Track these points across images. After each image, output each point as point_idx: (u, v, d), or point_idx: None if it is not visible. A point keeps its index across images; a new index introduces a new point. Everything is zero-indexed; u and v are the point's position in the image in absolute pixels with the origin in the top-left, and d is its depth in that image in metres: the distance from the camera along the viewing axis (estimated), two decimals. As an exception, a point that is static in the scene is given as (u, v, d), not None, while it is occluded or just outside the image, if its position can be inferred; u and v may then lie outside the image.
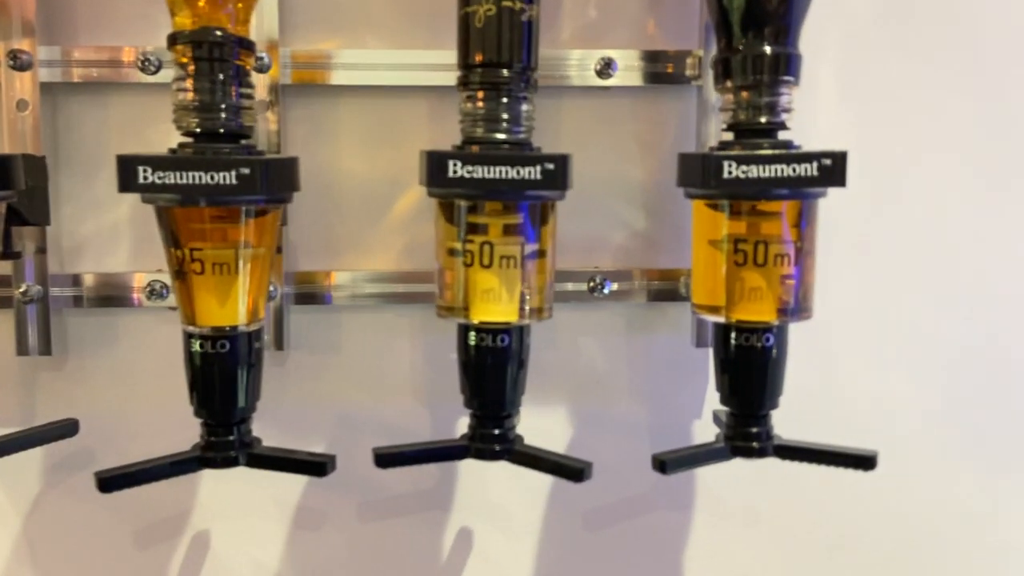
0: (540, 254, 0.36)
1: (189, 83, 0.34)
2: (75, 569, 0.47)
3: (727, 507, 0.49)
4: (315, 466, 0.36)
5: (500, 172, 0.33)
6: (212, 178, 0.32)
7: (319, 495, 0.48)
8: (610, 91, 0.45)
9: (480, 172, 0.33)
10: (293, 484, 0.47)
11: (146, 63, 0.43)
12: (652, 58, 0.44)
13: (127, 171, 0.32)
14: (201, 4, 0.33)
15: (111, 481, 0.36)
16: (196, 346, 0.35)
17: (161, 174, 0.32)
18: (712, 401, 0.48)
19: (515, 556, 0.49)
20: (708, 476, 0.49)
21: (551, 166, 0.33)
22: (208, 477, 0.47)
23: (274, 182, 0.34)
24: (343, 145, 0.45)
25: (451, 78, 0.37)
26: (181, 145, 0.35)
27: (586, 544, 0.49)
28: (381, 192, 0.45)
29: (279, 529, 0.47)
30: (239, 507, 0.47)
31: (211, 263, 0.35)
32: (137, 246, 0.45)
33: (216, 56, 0.34)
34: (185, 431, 0.45)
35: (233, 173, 0.32)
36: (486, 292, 0.36)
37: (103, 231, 0.45)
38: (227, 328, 0.36)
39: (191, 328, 0.36)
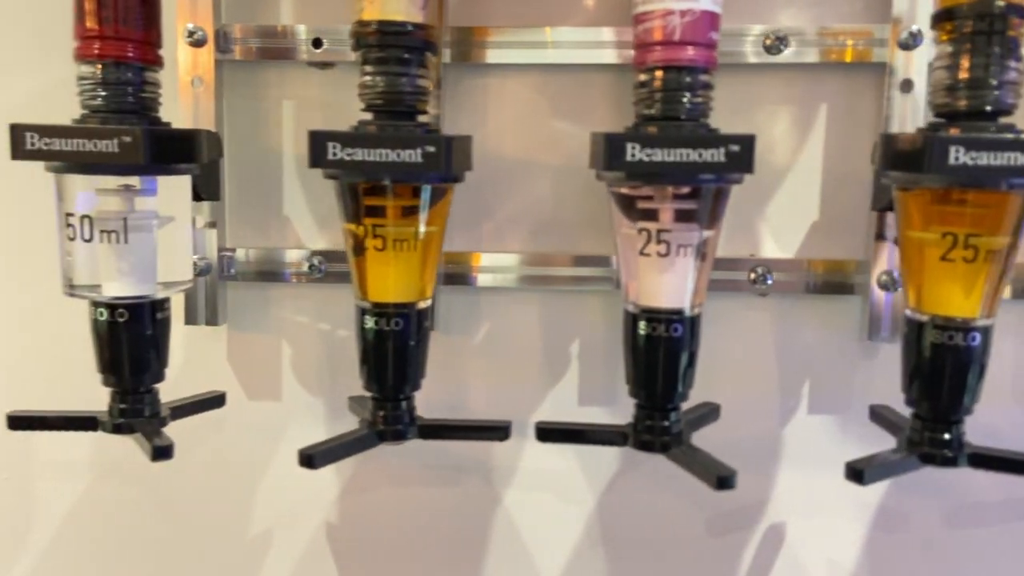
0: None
1: (965, 60, 0.32)
2: (646, 548, 0.47)
3: None
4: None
5: None
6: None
7: (902, 497, 0.46)
8: None
9: None
10: (877, 484, 0.46)
11: (776, 43, 0.42)
12: None
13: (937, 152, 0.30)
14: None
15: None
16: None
17: (972, 150, 0.31)
18: None
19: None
20: None
21: None
22: (789, 471, 0.46)
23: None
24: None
25: None
26: (934, 125, 0.34)
27: None
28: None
29: (857, 529, 0.46)
30: (817, 504, 0.46)
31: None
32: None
33: (997, 29, 0.32)
34: (764, 420, 0.46)
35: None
36: None
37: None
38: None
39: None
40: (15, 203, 0.47)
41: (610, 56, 0.43)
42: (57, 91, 0.45)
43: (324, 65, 0.45)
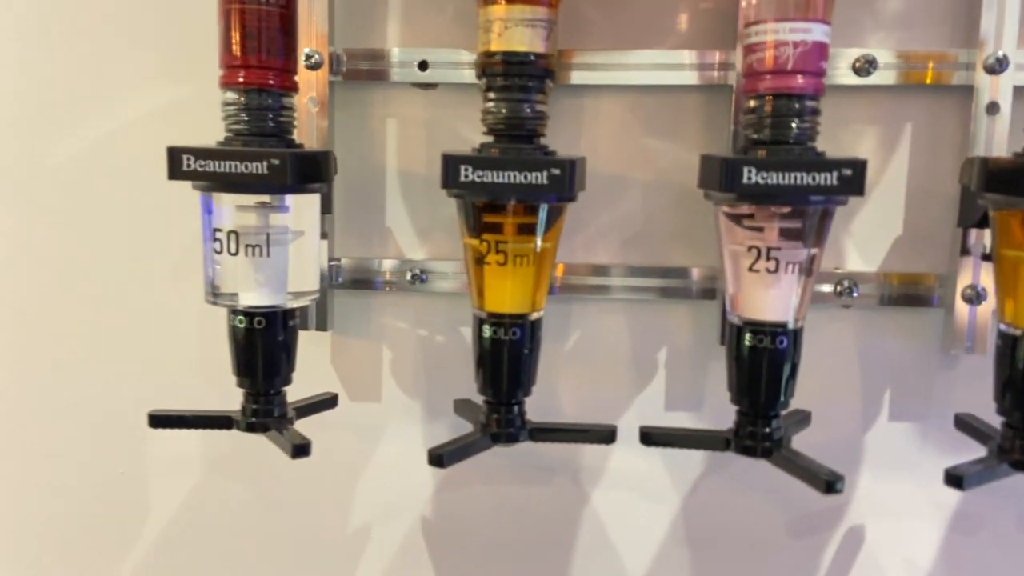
0: None
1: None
2: (728, 547, 0.49)
3: None
4: None
5: None
6: None
7: (978, 500, 0.47)
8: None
9: None
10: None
11: (865, 66, 0.44)
12: None
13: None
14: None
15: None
16: None
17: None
18: None
19: None
20: None
21: None
22: (869, 475, 0.48)
23: None
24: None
25: None
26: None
27: None
28: None
29: (934, 531, 0.48)
30: (896, 506, 0.48)
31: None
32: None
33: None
34: (847, 426, 0.47)
35: None
36: None
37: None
38: None
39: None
40: (153, 217, 0.50)
41: (693, 78, 0.45)
42: (174, 109, 0.49)
43: (427, 86, 0.47)
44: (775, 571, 0.49)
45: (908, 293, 0.46)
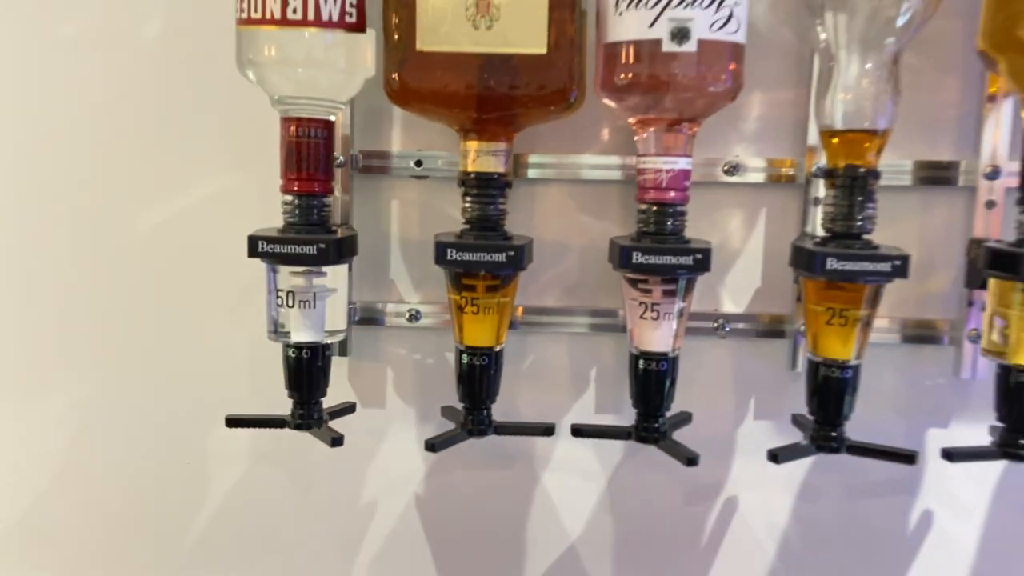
0: None
1: (840, 201, 0.52)
2: (642, 513, 0.67)
3: None
4: (904, 457, 0.52)
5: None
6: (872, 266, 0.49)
7: (819, 475, 0.65)
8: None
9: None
10: (801, 465, 0.65)
11: (731, 169, 0.61)
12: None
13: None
14: (855, 148, 0.51)
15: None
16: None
17: (842, 260, 0.49)
18: None
19: (967, 538, 0.65)
20: None
21: None
22: (740, 459, 0.65)
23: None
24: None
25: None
26: (824, 239, 0.53)
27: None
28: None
29: (787, 500, 0.66)
30: (760, 482, 0.66)
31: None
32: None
33: (859, 184, 0.51)
34: (722, 424, 0.64)
35: (887, 264, 0.49)
36: None
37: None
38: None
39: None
40: (218, 270, 0.66)
41: (616, 175, 0.63)
42: (235, 191, 0.65)
43: (421, 177, 0.64)
44: (674, 530, 0.67)
45: (766, 328, 0.64)
